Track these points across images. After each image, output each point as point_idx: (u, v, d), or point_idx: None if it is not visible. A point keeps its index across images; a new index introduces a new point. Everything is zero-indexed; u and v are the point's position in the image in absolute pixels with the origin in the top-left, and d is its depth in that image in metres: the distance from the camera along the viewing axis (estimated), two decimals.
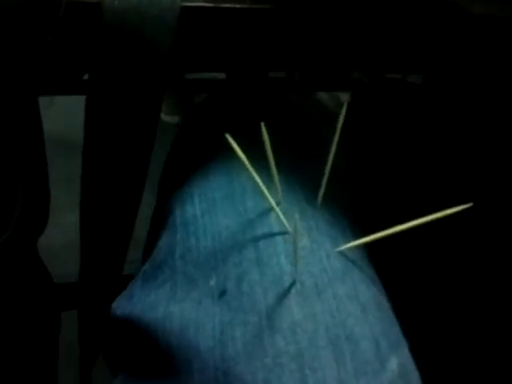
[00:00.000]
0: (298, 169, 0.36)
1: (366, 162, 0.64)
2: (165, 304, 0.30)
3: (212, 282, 0.30)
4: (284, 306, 0.27)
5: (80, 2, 0.25)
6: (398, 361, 0.28)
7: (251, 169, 0.28)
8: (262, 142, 0.29)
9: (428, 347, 0.46)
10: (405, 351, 0.29)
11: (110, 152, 0.33)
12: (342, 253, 0.31)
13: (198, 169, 0.37)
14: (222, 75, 1.38)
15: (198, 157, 0.39)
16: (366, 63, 0.37)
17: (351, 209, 0.37)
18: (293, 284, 0.28)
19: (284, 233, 0.30)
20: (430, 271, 0.51)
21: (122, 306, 0.34)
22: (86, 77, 0.31)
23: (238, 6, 0.27)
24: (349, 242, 0.32)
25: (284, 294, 0.28)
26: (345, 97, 0.77)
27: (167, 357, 0.28)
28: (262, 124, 0.27)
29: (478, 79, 0.45)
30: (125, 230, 0.39)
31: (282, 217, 0.30)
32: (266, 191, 0.29)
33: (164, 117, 1.32)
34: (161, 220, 0.38)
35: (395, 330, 0.30)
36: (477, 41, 0.36)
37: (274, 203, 0.30)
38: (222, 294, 0.29)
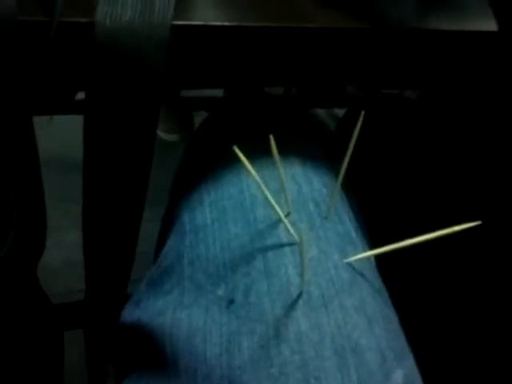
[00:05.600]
0: (308, 179, 0.35)
1: (365, 175, 0.64)
2: (172, 310, 0.30)
3: (220, 291, 0.29)
4: (290, 316, 0.27)
5: (72, 22, 0.25)
6: (404, 373, 0.27)
7: (259, 180, 0.28)
8: (271, 153, 0.29)
9: (434, 358, 0.46)
10: (410, 363, 0.29)
11: (110, 169, 0.33)
12: (349, 264, 0.30)
13: (209, 178, 0.37)
14: (220, 93, 1.39)
15: (208, 166, 0.39)
16: (362, 79, 0.37)
17: (359, 220, 0.37)
18: (300, 295, 0.28)
19: (292, 244, 0.30)
20: (436, 281, 0.51)
21: (129, 311, 0.34)
22: (81, 96, 0.31)
23: (227, 23, 0.27)
24: (357, 252, 0.31)
25: (291, 305, 0.27)
26: (342, 113, 0.78)
27: (173, 363, 0.28)
28: (271, 136, 0.27)
29: (473, 93, 0.46)
30: (127, 246, 0.39)
31: (290, 228, 0.30)
32: (273, 202, 0.29)
33: (163, 135, 1.33)
34: (169, 226, 0.38)
35: (401, 342, 0.29)
36: (470, 56, 0.37)
37: (282, 214, 0.29)
38: (230, 303, 0.28)
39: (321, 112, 1.54)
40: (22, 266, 0.37)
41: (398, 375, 0.27)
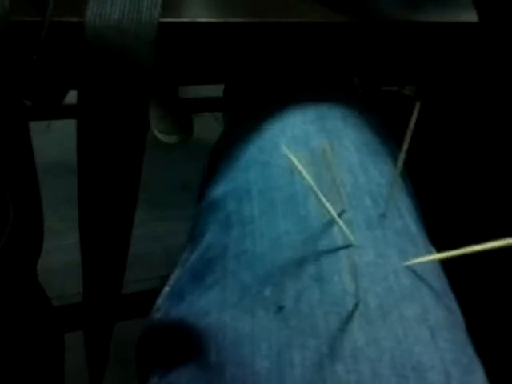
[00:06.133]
0: (364, 169, 0.33)
1: None
2: (217, 310, 0.28)
3: (267, 293, 0.27)
4: (346, 330, 0.25)
5: (63, 22, 0.26)
6: None
7: (309, 179, 0.26)
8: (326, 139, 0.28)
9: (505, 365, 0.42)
10: (478, 377, 0.26)
11: (103, 166, 0.33)
12: (410, 267, 0.28)
13: (256, 161, 0.34)
14: (220, 94, 1.40)
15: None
16: (355, 73, 0.37)
17: (418, 210, 0.34)
18: (356, 306, 0.25)
19: (348, 246, 0.27)
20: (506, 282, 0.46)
21: (173, 304, 0.32)
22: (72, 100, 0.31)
23: (213, 20, 0.27)
24: (418, 252, 0.29)
25: (346, 317, 0.25)
26: None
27: (220, 372, 0.26)
28: (326, 143, 0.26)
29: (468, 87, 0.46)
30: (121, 244, 0.39)
31: (345, 229, 0.27)
32: (326, 203, 0.27)
33: (162, 137, 1.33)
34: (211, 212, 0.35)
35: (468, 354, 0.26)
36: (467, 50, 0.37)
37: (335, 214, 0.27)
38: (279, 309, 0.26)
39: None
40: (20, 264, 0.37)
41: None
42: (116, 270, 0.40)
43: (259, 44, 0.30)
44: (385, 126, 0.39)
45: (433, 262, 0.29)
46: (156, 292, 0.40)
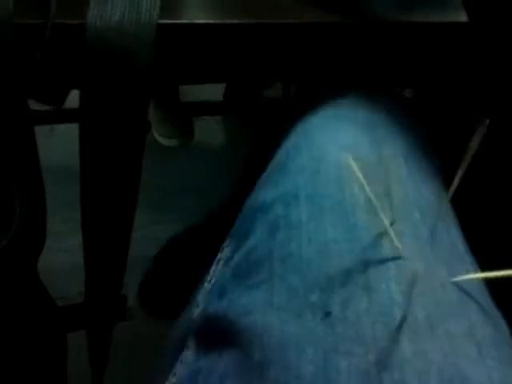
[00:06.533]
0: (414, 183, 0.33)
1: None
2: (261, 310, 0.28)
3: (314, 297, 0.27)
4: (393, 340, 0.24)
5: (65, 24, 0.27)
6: None
7: (364, 181, 0.27)
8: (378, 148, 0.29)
9: None
10: None
11: (104, 166, 0.34)
12: (458, 283, 0.28)
13: (305, 168, 0.34)
14: (220, 98, 1.40)
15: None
16: (353, 74, 0.38)
17: (464, 236, 0.34)
18: (404, 317, 0.25)
19: (397, 257, 0.27)
20: None
21: (212, 300, 0.32)
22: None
23: (211, 21, 0.28)
24: (466, 269, 0.29)
25: (393, 327, 0.25)
26: None
27: (263, 372, 0.26)
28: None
29: (465, 88, 0.46)
30: (121, 244, 0.40)
31: (395, 239, 0.27)
32: (379, 208, 0.27)
33: (163, 140, 1.34)
34: (258, 214, 0.35)
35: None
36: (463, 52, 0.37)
37: (387, 222, 0.27)
38: (327, 315, 0.26)
39: None
40: (23, 262, 0.38)
41: None
42: (116, 270, 0.41)
43: (256, 45, 0.31)
44: (430, 139, 0.39)
45: (479, 280, 0.29)
46: None
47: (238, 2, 0.30)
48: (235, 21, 0.29)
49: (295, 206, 0.32)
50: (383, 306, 0.25)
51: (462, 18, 0.35)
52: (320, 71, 0.35)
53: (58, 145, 1.15)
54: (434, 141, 0.55)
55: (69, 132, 1.12)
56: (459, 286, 0.27)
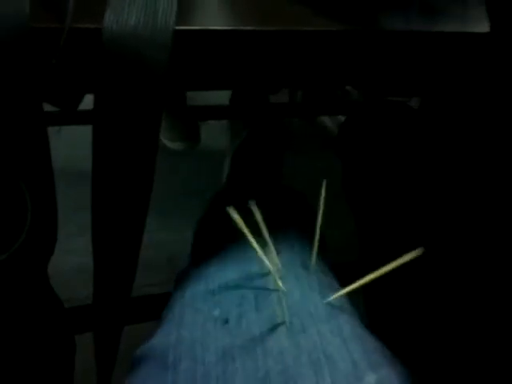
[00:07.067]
0: (294, 236, 0.45)
1: (364, 182, 0.65)
2: (176, 332, 0.37)
3: (216, 313, 0.36)
4: (274, 337, 0.34)
5: (82, 28, 0.27)
6: (377, 376, 0.32)
7: (252, 239, 0.35)
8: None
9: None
10: (386, 370, 0.33)
11: (117, 169, 0.34)
12: (328, 303, 0.37)
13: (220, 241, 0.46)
14: (226, 102, 1.41)
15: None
16: (361, 82, 0.38)
17: (334, 267, 0.46)
18: (283, 323, 0.34)
19: (279, 290, 0.36)
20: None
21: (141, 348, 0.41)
22: (88, 107, 0.32)
23: (225, 27, 0.29)
24: (335, 290, 0.38)
25: (275, 329, 0.34)
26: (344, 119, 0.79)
27: (175, 367, 0.34)
28: (253, 203, 0.36)
29: (474, 98, 0.46)
30: (132, 249, 0.40)
31: (277, 278, 0.36)
32: (264, 257, 0.36)
33: (169, 144, 1.34)
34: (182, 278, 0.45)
35: (376, 356, 0.34)
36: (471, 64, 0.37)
37: (271, 267, 0.36)
38: (226, 322, 0.35)
39: (325, 119, 1.55)
40: (34, 264, 0.38)
41: (371, 378, 0.31)
42: (127, 273, 0.41)
43: (269, 51, 0.31)
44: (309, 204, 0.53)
45: (347, 300, 0.40)
46: (158, 298, 0.43)
47: (251, 9, 0.30)
48: (250, 27, 0.29)
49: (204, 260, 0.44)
50: (269, 317, 0.35)
51: (481, 28, 0.35)
52: (331, 78, 0.35)
53: (64, 146, 1.16)
54: (442, 147, 0.55)
55: (75, 133, 1.12)
56: (330, 305, 0.37)
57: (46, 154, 0.32)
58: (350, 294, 0.38)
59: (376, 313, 0.55)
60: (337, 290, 0.38)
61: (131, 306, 0.43)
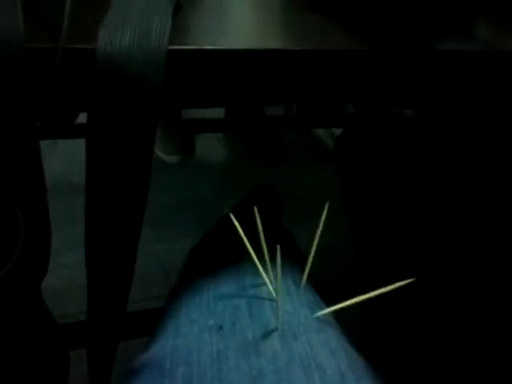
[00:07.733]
0: (289, 255, 0.48)
1: (361, 192, 0.65)
2: (172, 338, 0.38)
3: (211, 322, 0.38)
4: (267, 341, 0.35)
5: (75, 49, 0.27)
6: None
7: (253, 253, 0.38)
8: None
9: None
10: (371, 379, 0.35)
11: (111, 186, 0.34)
12: (318, 318, 0.39)
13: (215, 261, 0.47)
14: (221, 115, 1.41)
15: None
16: (358, 98, 0.38)
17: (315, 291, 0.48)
18: (276, 329, 0.36)
19: (272, 300, 0.39)
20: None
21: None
22: (82, 120, 0.32)
23: (219, 47, 0.29)
24: (323, 307, 0.40)
25: (268, 334, 0.36)
26: (339, 132, 0.79)
27: (172, 374, 0.35)
28: (255, 209, 0.37)
29: (471, 112, 0.47)
30: (127, 263, 0.40)
31: (272, 290, 0.39)
32: (262, 271, 0.39)
33: (164, 157, 1.34)
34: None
35: (361, 370, 0.36)
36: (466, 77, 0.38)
37: (267, 280, 0.39)
38: (220, 328, 0.37)
39: (320, 131, 1.56)
40: (27, 283, 0.38)
41: None
42: (121, 287, 0.41)
43: (264, 70, 0.31)
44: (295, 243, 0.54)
45: (334, 319, 0.42)
46: (154, 312, 0.43)
47: (245, 27, 0.30)
48: (242, 47, 0.29)
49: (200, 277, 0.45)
50: (262, 324, 0.37)
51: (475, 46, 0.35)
52: (329, 95, 0.35)
53: (58, 159, 1.16)
54: (436, 157, 0.55)
55: (68, 147, 1.12)
56: (319, 319, 0.39)
57: (38, 172, 0.32)
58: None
59: (372, 321, 0.55)
60: (324, 308, 0.40)
61: (126, 320, 0.43)
